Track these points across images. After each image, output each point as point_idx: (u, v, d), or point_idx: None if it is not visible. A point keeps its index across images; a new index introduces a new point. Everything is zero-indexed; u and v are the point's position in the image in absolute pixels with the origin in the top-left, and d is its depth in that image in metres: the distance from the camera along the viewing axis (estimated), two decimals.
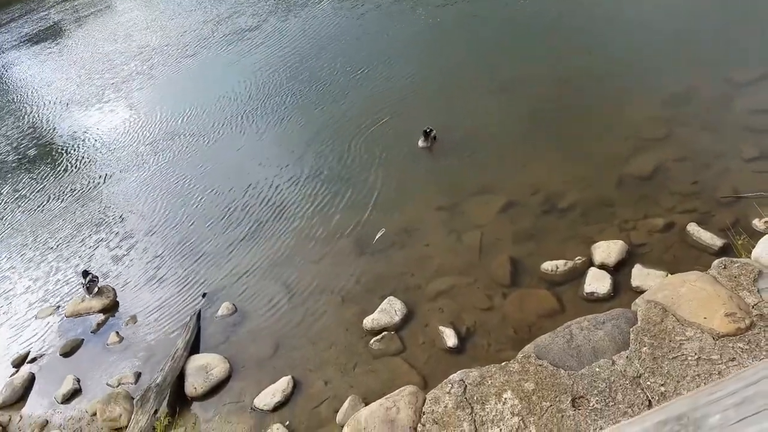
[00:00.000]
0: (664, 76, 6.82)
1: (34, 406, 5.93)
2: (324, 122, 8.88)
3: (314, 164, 7.95)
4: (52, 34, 19.86)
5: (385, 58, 10.05)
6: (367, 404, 4.37)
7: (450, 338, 4.81)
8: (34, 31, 20.94)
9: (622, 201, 5.44)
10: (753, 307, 3.46)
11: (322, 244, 6.46)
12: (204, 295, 6.42)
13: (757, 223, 4.70)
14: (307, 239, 6.61)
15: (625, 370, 3.35)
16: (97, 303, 6.87)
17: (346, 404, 4.55)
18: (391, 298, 5.33)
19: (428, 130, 7.24)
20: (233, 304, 6.09)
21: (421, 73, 9.32)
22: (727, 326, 3.36)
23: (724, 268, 3.82)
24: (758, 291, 3.55)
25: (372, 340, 5.05)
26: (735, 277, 3.72)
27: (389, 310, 5.21)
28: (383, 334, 5.07)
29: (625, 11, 8.88)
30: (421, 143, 7.29)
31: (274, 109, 9.92)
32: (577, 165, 6.12)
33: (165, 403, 5.28)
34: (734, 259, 3.89)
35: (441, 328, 4.93)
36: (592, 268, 4.92)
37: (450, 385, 3.73)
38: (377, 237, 6.13)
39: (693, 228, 4.87)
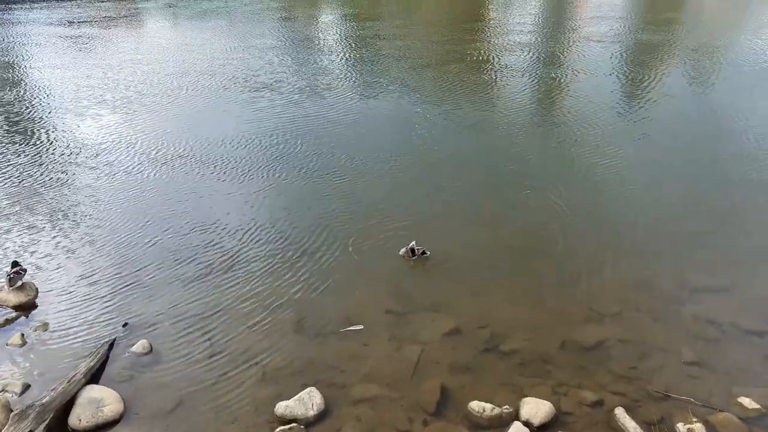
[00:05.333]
0: (634, 261, 7.10)
1: None
2: (295, 194, 9.04)
3: (280, 229, 7.93)
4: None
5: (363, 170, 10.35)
6: None
7: None
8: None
9: (560, 363, 5.46)
10: None
11: (262, 309, 6.28)
12: (125, 324, 6.10)
13: (681, 428, 4.75)
14: (248, 300, 6.43)
15: None
16: (13, 297, 6.47)
17: None
18: (312, 389, 5.12)
19: (415, 249, 7.10)
20: (150, 344, 5.79)
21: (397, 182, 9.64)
22: None
23: None
24: None
25: (278, 429, 4.79)
26: None
27: (306, 402, 5.00)
28: (292, 425, 4.82)
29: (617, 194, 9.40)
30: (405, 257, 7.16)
31: (259, 162, 10.19)
32: (529, 312, 6.19)
33: (43, 426, 4.86)
34: None
35: None
36: (517, 422, 4.83)
37: None
38: (350, 328, 5.95)
39: (620, 412, 4.88)
